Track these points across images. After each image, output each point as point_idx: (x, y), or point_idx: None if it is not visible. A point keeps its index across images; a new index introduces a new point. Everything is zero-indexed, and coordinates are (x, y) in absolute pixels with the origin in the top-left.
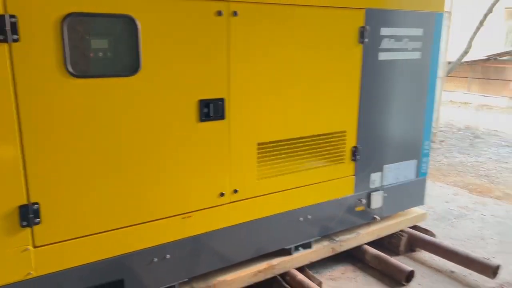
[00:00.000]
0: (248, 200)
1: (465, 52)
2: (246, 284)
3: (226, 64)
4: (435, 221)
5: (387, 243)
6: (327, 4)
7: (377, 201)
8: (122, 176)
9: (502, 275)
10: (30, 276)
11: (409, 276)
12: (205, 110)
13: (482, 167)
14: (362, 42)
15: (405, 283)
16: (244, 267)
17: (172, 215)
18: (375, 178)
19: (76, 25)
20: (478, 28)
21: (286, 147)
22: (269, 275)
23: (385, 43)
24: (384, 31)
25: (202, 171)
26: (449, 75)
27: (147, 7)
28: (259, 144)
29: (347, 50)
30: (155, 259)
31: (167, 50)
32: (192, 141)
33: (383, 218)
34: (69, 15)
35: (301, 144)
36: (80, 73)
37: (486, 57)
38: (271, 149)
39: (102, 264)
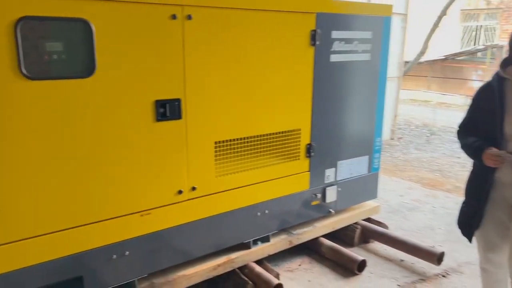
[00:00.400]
0: (207, 197)
1: (422, 53)
2: (206, 277)
3: (181, 65)
4: (389, 214)
5: (342, 235)
6: (279, 9)
7: (331, 195)
8: (78, 175)
9: (446, 262)
10: None
11: (361, 265)
12: (162, 110)
13: (436, 162)
14: (313, 45)
15: (357, 272)
16: (203, 261)
17: (131, 213)
18: (330, 174)
19: (31, 29)
20: (433, 30)
21: (243, 145)
22: (228, 269)
23: (336, 46)
24: (335, 34)
25: (159, 169)
26: (409, 74)
27: (102, 11)
28: (216, 142)
29: (299, 52)
30: (114, 256)
31: (123, 53)
32: (149, 141)
33: (338, 212)
34: (22, 18)
35: (258, 142)
36: (35, 75)
37: (444, 57)
38: (228, 147)
39: (61, 262)
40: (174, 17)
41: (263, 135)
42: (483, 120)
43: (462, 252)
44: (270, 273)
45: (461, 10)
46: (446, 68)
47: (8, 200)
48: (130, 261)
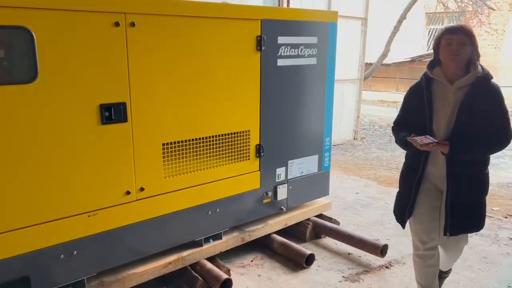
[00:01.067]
0: (155, 197)
1: (384, 55)
2: (157, 275)
3: (125, 71)
4: (343, 210)
5: (295, 231)
6: (225, 16)
7: (282, 193)
8: (24, 177)
9: (392, 254)
10: None
11: (310, 259)
12: (107, 113)
13: (395, 161)
14: (260, 50)
15: (306, 266)
16: (154, 259)
17: (78, 213)
18: (280, 173)
19: None
20: (394, 33)
21: (191, 146)
22: (179, 266)
23: (282, 50)
24: (281, 39)
25: (106, 171)
26: (378, 76)
27: (43, 19)
28: (164, 144)
29: (246, 57)
30: (62, 256)
31: (65, 59)
32: (95, 143)
33: (290, 209)
34: None
35: (207, 143)
36: None
37: (410, 59)
38: (177, 148)
39: (7, 263)
40: (117, 24)
41: (212, 137)
42: (414, 118)
43: (407, 245)
44: (221, 269)
45: (426, 13)
46: (414, 70)
47: None
48: (78, 261)
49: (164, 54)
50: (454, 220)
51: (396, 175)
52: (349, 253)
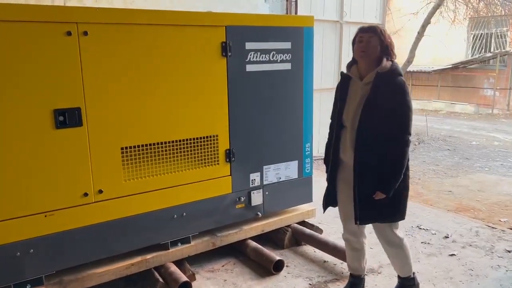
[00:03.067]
0: (115, 199)
1: (408, 62)
2: (118, 276)
3: (79, 77)
4: (335, 218)
5: (274, 238)
6: (186, 23)
7: (257, 198)
8: None
9: (370, 263)
10: None
11: (279, 265)
12: (61, 118)
13: (411, 170)
14: (225, 56)
15: (274, 272)
16: (118, 260)
17: (34, 213)
18: (254, 178)
19: None
20: (418, 39)
21: (153, 150)
22: (143, 268)
23: (251, 56)
24: (250, 45)
25: (62, 173)
26: (419, 84)
27: None
28: (122, 148)
29: (211, 63)
30: (18, 253)
31: (18, 67)
32: (50, 146)
33: (268, 215)
34: None
35: (170, 147)
36: None
37: (452, 66)
38: (137, 152)
39: None
40: (69, 33)
41: (176, 141)
42: (332, 113)
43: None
44: (185, 273)
45: (470, 18)
46: (458, 77)
47: None
48: (35, 259)
49: (119, 61)
50: (361, 209)
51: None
52: (324, 261)
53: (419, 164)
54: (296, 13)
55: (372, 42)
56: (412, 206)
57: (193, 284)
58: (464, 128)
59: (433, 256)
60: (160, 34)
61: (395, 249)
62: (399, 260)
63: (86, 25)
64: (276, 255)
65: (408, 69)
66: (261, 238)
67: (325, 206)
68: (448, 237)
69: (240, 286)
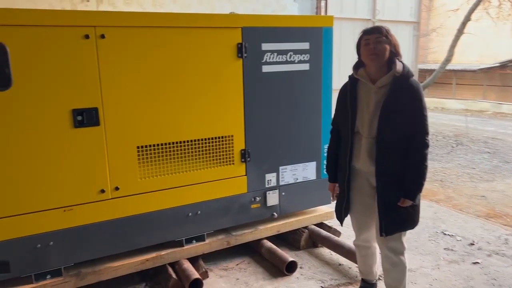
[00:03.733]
0: (131, 196)
1: (447, 60)
2: (134, 270)
3: (97, 78)
4: None
5: (290, 239)
6: (201, 25)
7: (273, 199)
8: (5, 173)
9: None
10: None
11: (292, 266)
12: (79, 118)
13: (444, 173)
14: (241, 57)
15: (287, 273)
16: (134, 255)
17: (54, 208)
18: (270, 178)
19: None
20: (457, 37)
21: (168, 149)
22: (157, 264)
23: (268, 57)
24: (266, 46)
25: (80, 170)
26: (463, 84)
27: (15, 34)
28: (139, 147)
29: (226, 64)
30: (39, 245)
31: (38, 68)
32: (69, 144)
33: (285, 216)
34: None
35: (185, 147)
36: None
37: (500, 64)
38: (152, 151)
39: None
40: (87, 37)
41: (191, 141)
42: (342, 117)
43: (409, 260)
44: (199, 270)
45: None
46: (505, 76)
47: None
48: (54, 251)
49: (135, 63)
50: (386, 220)
51: (436, 187)
52: (339, 264)
53: (454, 167)
54: (326, 12)
55: (381, 44)
56: (439, 210)
57: (206, 281)
58: (509, 130)
59: (454, 263)
60: (175, 36)
61: (397, 258)
62: (395, 273)
63: (103, 28)
64: (289, 256)
65: (451, 68)
66: (278, 238)
67: (342, 218)
68: (473, 244)
69: (251, 286)
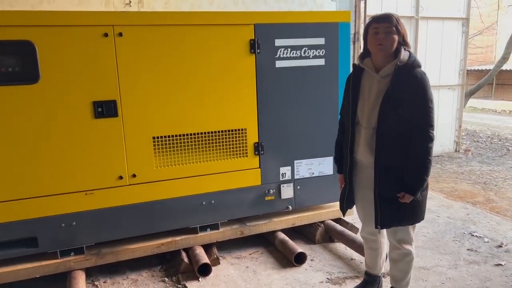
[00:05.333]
0: (147, 184)
1: (504, 59)
2: (150, 253)
3: (115, 73)
4: None
5: (306, 232)
6: (214, 22)
7: (287, 192)
8: (33, 158)
9: None
10: None
11: (301, 257)
12: (99, 109)
13: (490, 175)
14: (254, 53)
15: (295, 264)
16: (150, 239)
17: (77, 191)
18: (285, 172)
19: None
20: None
21: (183, 140)
22: (172, 248)
23: (281, 53)
24: (279, 42)
25: (100, 157)
26: (504, 84)
27: (42, 33)
28: (154, 137)
29: (239, 60)
30: (63, 225)
31: (63, 64)
32: (90, 133)
33: (301, 209)
34: None
35: (199, 139)
36: None
37: None
38: (167, 142)
39: (20, 224)
40: (106, 35)
41: (205, 133)
42: (346, 107)
43: (425, 259)
44: (210, 257)
45: None
46: None
47: None
48: (77, 231)
49: (151, 59)
50: (382, 213)
51: (477, 190)
52: (351, 259)
53: (504, 170)
54: (365, 9)
55: (390, 34)
56: (473, 212)
57: (217, 268)
58: None
59: (474, 264)
60: (190, 33)
61: (404, 249)
62: (402, 264)
63: (121, 27)
64: (300, 248)
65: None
66: (296, 231)
67: (344, 209)
68: (501, 246)
69: (259, 274)
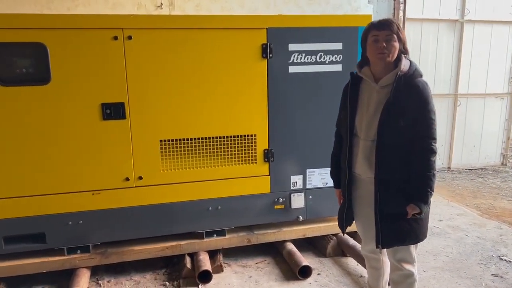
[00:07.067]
0: (153, 186)
1: None
2: (154, 256)
3: (124, 76)
4: None
5: (318, 244)
6: (226, 26)
7: (298, 201)
8: (42, 157)
9: None
10: None
11: (306, 271)
12: (108, 111)
13: None
14: (265, 57)
15: (300, 278)
16: (155, 242)
17: (84, 190)
18: (296, 180)
19: (3, 50)
20: None
21: (190, 144)
22: (176, 252)
23: (295, 57)
24: (293, 46)
25: (107, 158)
26: None
27: (54, 36)
28: (161, 140)
29: (250, 64)
30: (70, 223)
31: (73, 66)
32: (98, 135)
33: (313, 220)
34: None
35: (207, 143)
36: (6, 83)
37: None
38: (174, 145)
39: (29, 220)
40: (115, 38)
41: (213, 138)
42: (343, 118)
43: (442, 282)
44: (214, 263)
45: None
46: None
47: None
48: (83, 229)
49: (160, 62)
50: (383, 232)
51: None
52: (360, 276)
53: None
54: (404, 13)
55: (391, 42)
56: (507, 232)
57: (219, 275)
58: None
59: None
60: (198, 37)
61: (406, 270)
62: (404, 286)
63: (130, 30)
64: (306, 261)
65: None
66: (308, 243)
67: (343, 226)
68: None
69: (261, 285)
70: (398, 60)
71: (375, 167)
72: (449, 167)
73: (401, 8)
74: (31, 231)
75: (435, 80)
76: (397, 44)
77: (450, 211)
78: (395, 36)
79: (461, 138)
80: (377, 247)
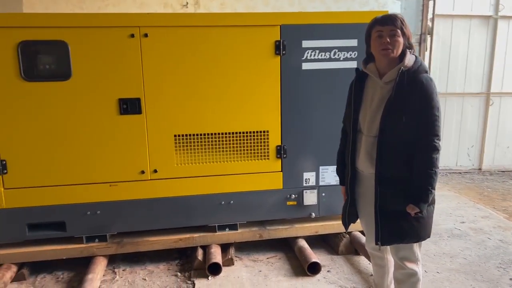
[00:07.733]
0: (167, 180)
1: None
2: (168, 247)
3: (140, 72)
4: None
5: (331, 242)
6: (239, 24)
7: (310, 198)
8: (63, 149)
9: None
10: (1, 207)
11: (315, 267)
12: (124, 106)
13: None
14: (279, 54)
15: (309, 274)
16: (169, 234)
17: (102, 182)
18: (309, 177)
19: (28, 48)
20: None
21: (203, 140)
22: (190, 244)
23: (308, 54)
24: (307, 43)
25: (124, 151)
26: None
27: (75, 34)
28: (176, 135)
29: (263, 61)
30: (89, 212)
31: (92, 63)
32: (115, 129)
33: (326, 217)
34: (21, 42)
35: (220, 139)
36: (30, 78)
37: None
38: (188, 140)
39: (51, 208)
40: (132, 36)
41: (226, 133)
42: (347, 113)
43: (455, 284)
44: (225, 257)
45: None
46: None
47: (15, 159)
48: (100, 219)
49: (175, 59)
50: (383, 229)
51: None
52: (371, 274)
53: None
54: (434, 9)
55: (395, 38)
56: None
57: (230, 268)
58: None
59: None
60: (212, 34)
61: (409, 269)
62: (407, 286)
63: (147, 28)
64: (315, 258)
65: None
66: (322, 240)
67: (346, 223)
68: None
69: (269, 279)
70: (403, 55)
71: (376, 163)
72: (479, 168)
73: (431, 4)
74: (53, 219)
75: (466, 78)
76: (401, 39)
77: (474, 213)
78: (399, 31)
79: (494, 139)
80: (376, 243)
